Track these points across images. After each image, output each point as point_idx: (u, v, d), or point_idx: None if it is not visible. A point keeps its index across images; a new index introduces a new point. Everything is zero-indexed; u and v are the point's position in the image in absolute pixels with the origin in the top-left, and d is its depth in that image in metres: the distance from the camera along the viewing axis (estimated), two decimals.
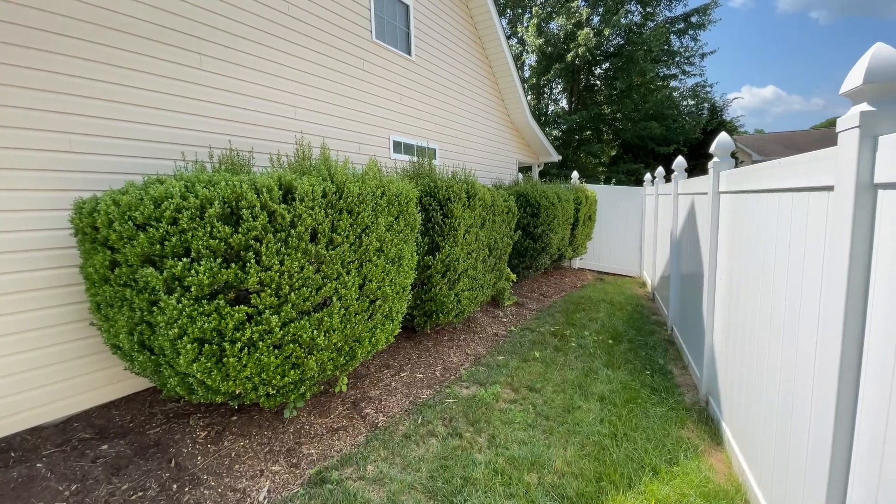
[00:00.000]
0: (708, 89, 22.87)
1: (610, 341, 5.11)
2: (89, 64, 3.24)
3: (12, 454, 2.80)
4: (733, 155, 3.52)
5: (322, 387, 3.57)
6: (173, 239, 2.29)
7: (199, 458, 2.83)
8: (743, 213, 2.90)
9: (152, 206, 2.32)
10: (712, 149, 3.46)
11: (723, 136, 3.42)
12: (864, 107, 1.50)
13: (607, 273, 9.74)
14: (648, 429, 3.20)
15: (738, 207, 3.01)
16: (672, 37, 21.51)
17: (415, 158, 5.16)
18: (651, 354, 4.71)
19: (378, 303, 3.26)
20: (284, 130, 4.83)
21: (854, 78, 1.56)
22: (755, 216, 2.64)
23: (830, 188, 1.72)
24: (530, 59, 23.04)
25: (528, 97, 10.86)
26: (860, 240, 1.50)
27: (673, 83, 22.81)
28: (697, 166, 19.99)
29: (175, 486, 2.58)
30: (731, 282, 3.11)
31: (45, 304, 3.09)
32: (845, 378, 1.57)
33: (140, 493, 2.51)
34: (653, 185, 7.88)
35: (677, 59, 22.20)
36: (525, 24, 22.56)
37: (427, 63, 7.41)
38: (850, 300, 1.52)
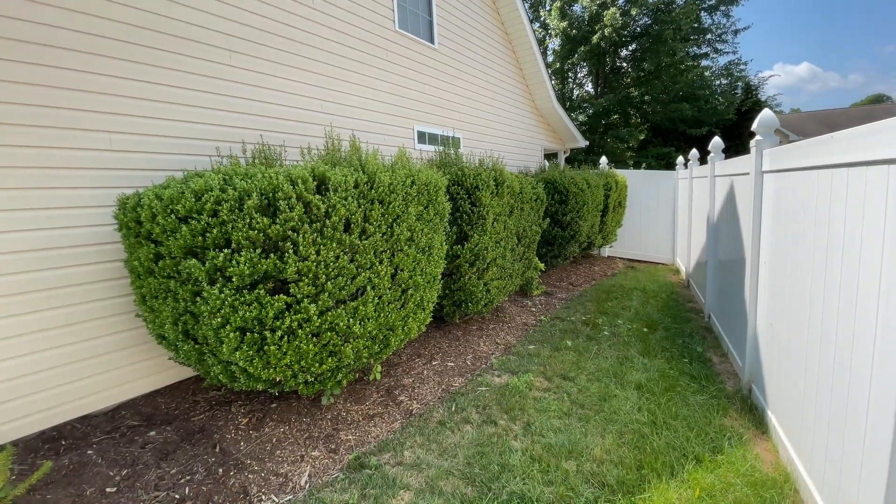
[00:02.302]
0: (742, 67, 21.83)
1: (644, 329, 4.99)
2: (125, 64, 3.34)
3: (63, 442, 2.95)
4: None
5: (357, 374, 3.62)
6: (214, 231, 2.35)
7: (242, 443, 2.92)
8: (790, 193, 2.76)
9: (193, 199, 2.38)
10: (755, 126, 3.30)
11: (766, 113, 3.25)
12: None
13: (638, 261, 9.51)
14: (689, 417, 3.12)
15: (784, 187, 2.87)
16: (702, 14, 20.59)
17: (439, 148, 5.13)
18: (688, 342, 4.58)
19: (410, 292, 3.28)
20: (312, 124, 4.88)
21: None
22: (804, 195, 2.51)
23: (893, 161, 1.61)
24: (554, 43, 22.52)
25: (553, 82, 10.64)
26: None
27: (704, 62, 21.84)
28: (731, 148, 19.19)
29: (221, 470, 2.67)
30: (777, 264, 2.98)
31: (92, 297, 3.23)
32: None
33: (188, 477, 2.61)
34: (686, 168, 7.62)
35: (708, 36, 21.24)
36: (548, 8, 22.03)
37: (450, 51, 7.33)
38: None
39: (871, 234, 1.77)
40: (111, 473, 2.65)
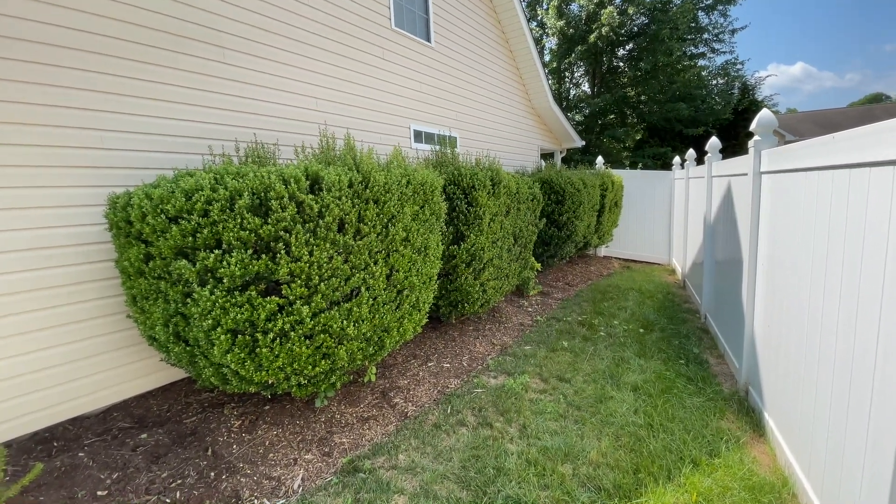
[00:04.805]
0: (738, 67, 21.85)
1: (640, 330, 4.97)
2: (118, 61, 3.29)
3: (55, 444, 2.91)
4: None
5: (351, 376, 3.58)
6: (205, 231, 2.30)
7: (235, 446, 2.88)
8: (789, 194, 2.74)
9: (184, 199, 2.33)
10: (753, 126, 3.28)
11: (764, 113, 3.23)
12: None
13: (634, 261, 9.51)
14: (686, 419, 3.10)
15: (783, 187, 2.84)
16: (700, 13, 20.59)
17: (435, 147, 5.09)
18: (684, 343, 4.57)
19: (405, 293, 3.24)
20: (307, 122, 4.83)
21: None
22: (803, 196, 2.48)
23: (895, 162, 1.59)
24: (551, 42, 22.48)
25: (550, 81, 10.60)
26: None
27: (701, 62, 21.81)
28: (728, 148, 19.22)
29: (212, 473, 2.63)
30: (775, 266, 2.96)
31: (84, 297, 3.18)
32: None
33: (179, 481, 2.56)
34: (682, 168, 7.61)
35: (705, 36, 21.23)
36: (545, 7, 22.00)
37: (447, 50, 7.29)
38: None
39: (873, 236, 1.74)
40: (102, 476, 2.61)
